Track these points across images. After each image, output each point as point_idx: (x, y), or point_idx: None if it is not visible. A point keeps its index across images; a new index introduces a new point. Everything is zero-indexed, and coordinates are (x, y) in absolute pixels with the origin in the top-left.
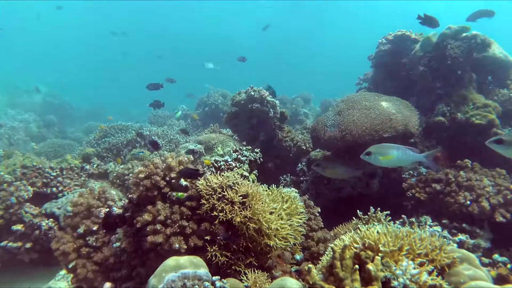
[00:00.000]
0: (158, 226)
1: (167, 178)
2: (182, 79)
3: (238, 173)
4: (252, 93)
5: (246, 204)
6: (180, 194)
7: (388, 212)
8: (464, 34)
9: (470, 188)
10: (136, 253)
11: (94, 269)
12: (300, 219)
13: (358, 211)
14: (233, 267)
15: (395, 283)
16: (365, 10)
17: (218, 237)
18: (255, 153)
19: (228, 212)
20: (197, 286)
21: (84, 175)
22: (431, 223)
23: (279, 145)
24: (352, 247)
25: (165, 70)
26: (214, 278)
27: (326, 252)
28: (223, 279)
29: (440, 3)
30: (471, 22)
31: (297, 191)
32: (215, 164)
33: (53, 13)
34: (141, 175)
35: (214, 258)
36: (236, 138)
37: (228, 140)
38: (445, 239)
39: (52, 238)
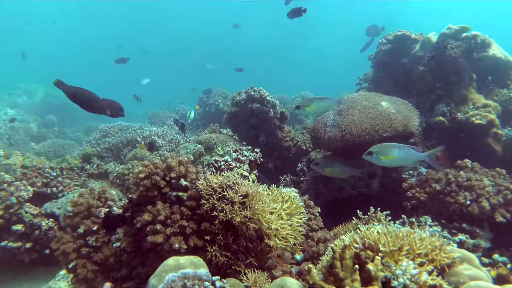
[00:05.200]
0: (158, 226)
1: (167, 178)
2: (184, 79)
3: (238, 173)
4: (252, 93)
5: (246, 204)
6: (180, 194)
7: (388, 212)
8: (464, 34)
9: (470, 188)
10: (136, 253)
11: (94, 269)
12: (300, 219)
13: (358, 211)
14: (233, 267)
15: (395, 283)
16: (365, 10)
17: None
18: (255, 153)
19: (228, 212)
20: (197, 286)
21: (84, 175)
22: (431, 223)
23: (279, 145)
24: (352, 247)
25: (166, 70)
26: (214, 278)
27: (326, 252)
28: (223, 279)
29: (440, 3)
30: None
31: (297, 191)
32: (215, 164)
33: (53, 14)
34: (141, 175)
35: (214, 258)
36: (236, 138)
37: (228, 140)
38: (445, 239)
39: (52, 238)
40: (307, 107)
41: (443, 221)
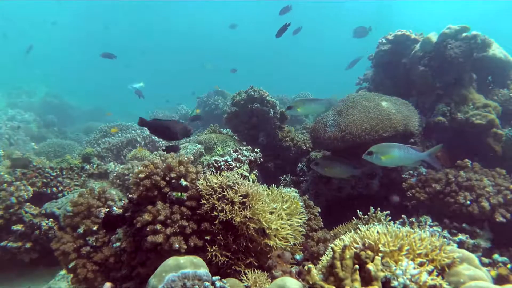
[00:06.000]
0: (158, 226)
1: (167, 178)
2: (184, 79)
3: (238, 173)
4: (252, 93)
5: (246, 204)
6: (180, 194)
7: (388, 212)
8: (464, 34)
9: (470, 188)
10: (136, 253)
11: (94, 269)
12: (300, 219)
13: (358, 211)
14: (233, 267)
15: (395, 283)
16: (365, 10)
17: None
18: (255, 153)
19: (228, 212)
20: (197, 286)
21: (84, 175)
22: (431, 223)
23: (279, 145)
24: (352, 247)
25: (166, 70)
26: (214, 278)
27: (326, 252)
28: (223, 279)
29: (441, 3)
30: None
31: (297, 191)
32: (215, 164)
33: (53, 14)
34: (141, 175)
35: (214, 258)
36: (236, 138)
37: (228, 140)
38: (445, 239)
39: (52, 238)
40: (298, 108)
41: (443, 221)
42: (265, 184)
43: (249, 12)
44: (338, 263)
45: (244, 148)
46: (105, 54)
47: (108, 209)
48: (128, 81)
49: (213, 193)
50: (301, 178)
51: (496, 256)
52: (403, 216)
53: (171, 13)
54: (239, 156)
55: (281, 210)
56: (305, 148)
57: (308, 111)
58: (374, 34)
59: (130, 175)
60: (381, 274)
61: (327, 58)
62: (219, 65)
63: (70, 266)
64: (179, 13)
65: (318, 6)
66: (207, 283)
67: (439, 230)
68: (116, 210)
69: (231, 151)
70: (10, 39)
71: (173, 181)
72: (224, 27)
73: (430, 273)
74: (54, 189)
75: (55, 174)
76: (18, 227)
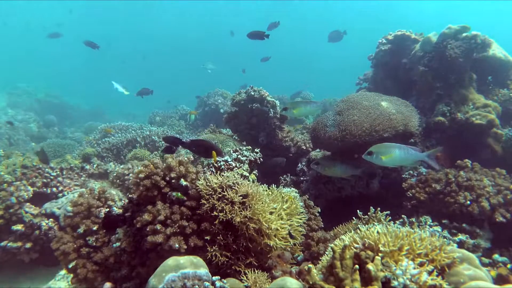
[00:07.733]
0: (158, 226)
1: (167, 178)
2: (184, 80)
3: (238, 173)
4: (252, 93)
5: (246, 204)
6: (180, 194)
7: (388, 212)
8: (464, 34)
9: (470, 188)
10: (136, 253)
11: (94, 269)
12: (300, 219)
13: (358, 211)
14: (233, 267)
15: (395, 283)
16: (365, 10)
17: None
18: (255, 153)
19: (228, 212)
20: (197, 286)
21: (84, 175)
22: (431, 223)
23: (279, 145)
24: (352, 247)
25: (167, 71)
26: (214, 278)
27: (326, 252)
28: (223, 279)
29: (442, 3)
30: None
31: (297, 191)
32: (215, 164)
33: (52, 13)
34: (141, 175)
35: (214, 258)
36: (236, 138)
37: (228, 140)
38: (445, 239)
39: (52, 238)
40: (294, 110)
41: (443, 221)
42: (265, 184)
43: (250, 12)
44: (338, 263)
45: (244, 148)
46: (88, 42)
47: (108, 209)
48: (128, 82)
49: (213, 193)
50: (301, 178)
51: (496, 256)
52: (403, 216)
53: (171, 13)
54: (239, 156)
55: (281, 210)
56: (305, 148)
57: (303, 113)
58: (378, 35)
59: (130, 175)
60: (381, 274)
61: (328, 58)
62: (219, 65)
63: (70, 266)
64: (179, 15)
65: (319, 6)
66: (207, 283)
67: (439, 230)
68: (116, 210)
69: (231, 151)
70: (11, 39)
71: (173, 181)
72: (224, 28)
73: (430, 273)
74: (54, 189)
75: (55, 174)
76: (18, 227)
